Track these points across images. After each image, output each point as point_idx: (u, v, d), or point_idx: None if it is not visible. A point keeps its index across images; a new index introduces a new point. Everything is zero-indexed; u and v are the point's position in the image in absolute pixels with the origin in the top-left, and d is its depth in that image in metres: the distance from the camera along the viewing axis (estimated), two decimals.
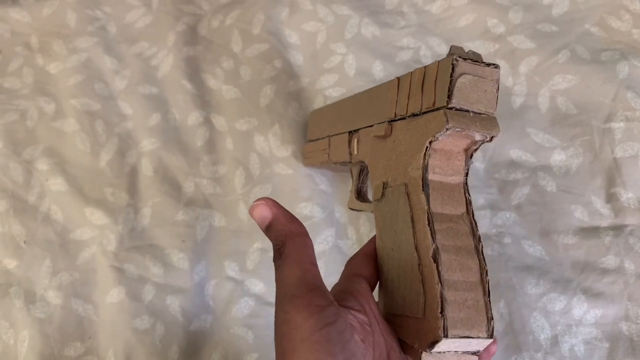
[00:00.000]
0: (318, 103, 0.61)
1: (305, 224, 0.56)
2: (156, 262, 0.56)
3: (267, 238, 0.55)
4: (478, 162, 0.56)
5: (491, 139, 0.35)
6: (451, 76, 0.34)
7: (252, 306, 0.55)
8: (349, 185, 0.57)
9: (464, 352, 0.34)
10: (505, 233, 0.53)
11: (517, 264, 0.52)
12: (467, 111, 0.34)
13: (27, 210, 0.60)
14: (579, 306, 0.50)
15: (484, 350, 0.34)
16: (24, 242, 0.58)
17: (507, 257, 0.52)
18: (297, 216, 0.56)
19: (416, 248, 0.35)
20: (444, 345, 0.32)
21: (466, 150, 0.36)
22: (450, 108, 0.34)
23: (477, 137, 0.35)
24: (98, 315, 0.55)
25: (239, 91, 0.62)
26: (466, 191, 0.36)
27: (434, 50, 0.61)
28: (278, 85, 0.62)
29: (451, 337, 0.32)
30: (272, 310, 0.53)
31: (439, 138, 0.35)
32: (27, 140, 0.63)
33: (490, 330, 0.33)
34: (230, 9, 0.66)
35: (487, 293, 0.34)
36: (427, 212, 0.35)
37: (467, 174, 0.37)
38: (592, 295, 0.50)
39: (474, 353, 0.34)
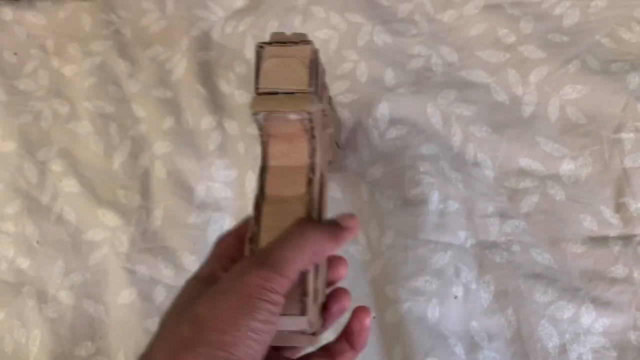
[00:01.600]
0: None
1: None
2: (167, 264, 0.57)
3: None
4: (488, 170, 0.56)
5: (310, 115, 0.34)
6: (258, 62, 0.35)
7: None
8: (361, 192, 0.57)
9: (291, 332, 0.33)
10: (514, 241, 0.54)
11: (525, 272, 0.52)
12: (276, 93, 0.35)
13: (40, 210, 0.60)
14: (587, 315, 0.50)
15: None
16: (37, 242, 0.59)
17: (515, 265, 0.53)
18: None
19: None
20: None
21: (306, 130, 0.36)
22: (260, 93, 0.35)
23: (292, 116, 0.34)
24: (109, 316, 0.56)
25: (251, 97, 0.63)
26: (311, 171, 0.36)
27: (445, 58, 0.61)
28: None
29: None
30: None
31: (264, 123, 0.35)
32: (42, 142, 0.64)
33: (302, 308, 0.32)
34: (244, 15, 0.67)
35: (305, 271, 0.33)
36: (256, 196, 0.35)
37: (313, 154, 0.36)
38: (601, 304, 0.50)
39: (303, 332, 0.34)
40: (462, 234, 0.54)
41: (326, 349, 0.38)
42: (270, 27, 0.65)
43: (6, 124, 0.64)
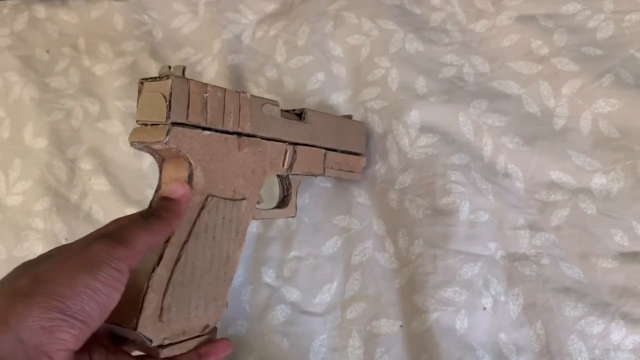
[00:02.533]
0: (358, 115, 0.62)
1: (342, 236, 0.57)
2: None
3: (303, 246, 0.57)
4: (518, 182, 0.56)
5: (166, 145, 0.37)
6: (138, 96, 0.39)
7: (288, 314, 0.55)
8: (389, 200, 0.57)
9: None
10: (543, 254, 0.53)
11: (555, 285, 0.52)
12: (146, 124, 0.38)
13: (69, 208, 0.61)
14: (618, 331, 0.50)
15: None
16: (65, 239, 0.60)
17: (545, 279, 0.52)
18: (333, 228, 0.57)
19: None
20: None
21: (182, 157, 0.39)
22: (141, 125, 0.39)
23: (156, 146, 0.38)
24: None
25: (281, 101, 0.63)
26: None
27: (476, 68, 0.61)
28: (321, 97, 0.62)
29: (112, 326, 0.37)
30: (308, 319, 0.55)
31: (155, 149, 0.39)
32: (72, 140, 0.64)
33: (136, 322, 0.36)
34: (275, 20, 0.67)
35: (148, 286, 0.37)
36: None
37: (191, 178, 0.39)
38: (631, 320, 0.50)
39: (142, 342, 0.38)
40: (492, 245, 0.54)
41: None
42: (301, 33, 0.66)
43: (38, 121, 0.65)
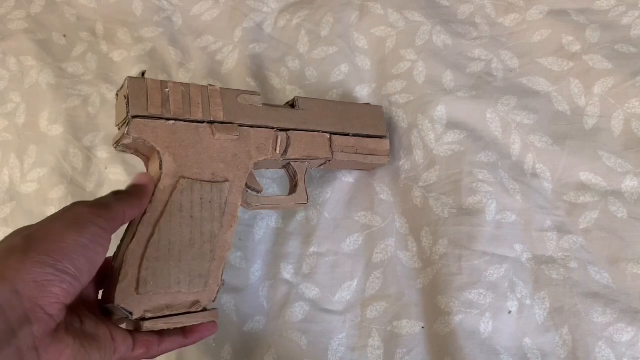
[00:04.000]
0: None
1: (363, 233, 0.56)
2: None
3: (323, 242, 0.55)
4: (547, 182, 0.54)
5: (127, 135, 0.42)
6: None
7: (307, 311, 0.54)
8: (413, 197, 0.56)
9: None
10: (571, 257, 0.52)
11: (582, 290, 0.50)
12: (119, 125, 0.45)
13: (84, 197, 0.60)
14: None
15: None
16: None
17: (572, 283, 0.51)
18: (354, 225, 0.56)
19: None
20: None
21: (152, 148, 0.43)
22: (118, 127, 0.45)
23: (124, 141, 0.43)
24: None
25: (303, 93, 0.62)
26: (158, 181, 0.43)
27: (505, 63, 0.60)
28: (344, 90, 0.61)
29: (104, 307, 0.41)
30: (327, 317, 0.53)
31: (126, 144, 0.44)
32: (88, 127, 0.63)
33: (113, 295, 0.39)
34: (298, 9, 0.66)
35: (122, 261, 0.40)
36: None
37: (161, 166, 0.43)
38: None
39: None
40: (518, 247, 0.52)
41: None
42: (325, 22, 0.64)
43: (54, 108, 0.63)
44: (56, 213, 0.36)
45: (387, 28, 0.63)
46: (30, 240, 0.33)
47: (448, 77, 0.59)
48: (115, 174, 0.60)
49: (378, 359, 0.52)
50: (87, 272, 0.34)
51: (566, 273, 0.51)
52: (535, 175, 0.55)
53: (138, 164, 0.60)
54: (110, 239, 0.37)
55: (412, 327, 0.52)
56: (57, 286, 0.32)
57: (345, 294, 0.55)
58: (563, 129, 0.56)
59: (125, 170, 0.60)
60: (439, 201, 0.54)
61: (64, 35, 0.68)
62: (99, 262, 0.35)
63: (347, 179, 0.58)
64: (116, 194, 0.40)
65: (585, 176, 0.54)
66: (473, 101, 0.57)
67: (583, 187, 0.54)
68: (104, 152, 0.61)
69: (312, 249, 0.56)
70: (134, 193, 0.41)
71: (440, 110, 0.57)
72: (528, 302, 0.51)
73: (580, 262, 0.52)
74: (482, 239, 0.52)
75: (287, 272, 0.56)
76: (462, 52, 0.61)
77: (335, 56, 0.63)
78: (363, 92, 0.61)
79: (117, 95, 0.45)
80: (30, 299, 0.31)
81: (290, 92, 0.62)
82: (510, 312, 0.50)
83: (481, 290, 0.50)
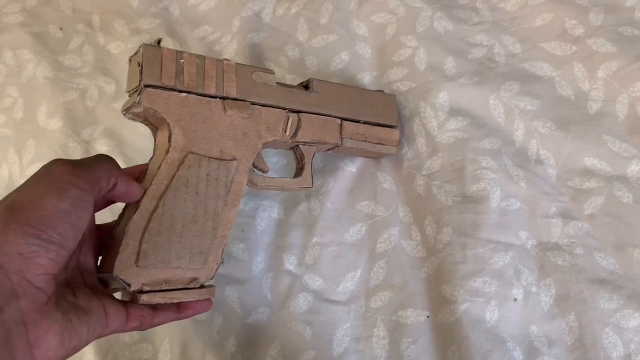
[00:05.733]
0: None
1: (366, 223, 0.55)
2: None
3: (326, 232, 0.55)
4: (551, 168, 0.54)
5: (138, 104, 0.41)
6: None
7: (311, 302, 0.54)
8: (416, 185, 0.55)
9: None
10: (577, 244, 0.51)
11: (589, 276, 0.50)
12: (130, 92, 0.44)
13: None
14: None
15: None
16: None
17: (578, 269, 0.50)
18: (357, 215, 0.56)
19: None
20: None
21: (161, 118, 0.42)
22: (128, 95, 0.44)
23: (135, 109, 0.42)
24: None
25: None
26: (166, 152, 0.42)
27: (508, 49, 0.59)
28: (345, 78, 0.60)
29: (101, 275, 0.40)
30: (331, 307, 0.53)
31: (136, 112, 0.43)
32: (87, 120, 0.62)
33: (112, 266, 0.39)
34: None
35: (124, 232, 0.39)
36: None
37: (170, 137, 0.42)
38: None
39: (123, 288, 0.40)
40: (523, 234, 0.52)
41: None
42: (324, 10, 0.63)
43: (52, 101, 0.63)
44: (34, 175, 0.34)
45: (387, 14, 0.62)
46: (10, 210, 0.31)
47: (450, 64, 0.58)
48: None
49: (383, 349, 0.51)
50: (72, 238, 0.33)
51: (572, 259, 0.51)
52: (539, 161, 0.54)
53: (138, 156, 0.60)
54: (93, 201, 0.35)
55: (417, 316, 0.52)
56: (44, 256, 0.31)
57: (349, 284, 0.54)
58: (567, 114, 0.55)
59: (125, 163, 0.59)
60: (442, 189, 0.54)
61: (60, 28, 0.67)
62: (83, 226, 0.34)
63: (350, 168, 0.58)
64: (100, 156, 0.38)
65: (589, 161, 0.54)
66: (475, 87, 0.57)
67: (588, 172, 0.53)
68: (103, 146, 0.61)
69: (314, 240, 0.56)
70: (123, 171, 0.39)
71: (443, 97, 0.56)
72: (534, 289, 0.50)
73: (586, 248, 0.51)
74: (486, 226, 0.51)
75: (290, 263, 0.55)
76: (464, 37, 0.60)
77: (335, 44, 0.62)
78: (364, 80, 0.60)
79: (130, 60, 0.43)
80: (17, 273, 0.30)
81: (290, 81, 0.61)
82: (515, 300, 0.50)
83: (486, 278, 0.50)
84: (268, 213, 0.58)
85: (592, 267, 0.50)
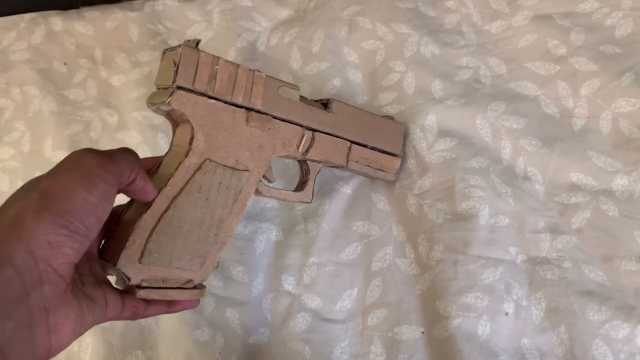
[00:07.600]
0: None
1: (361, 242, 0.57)
2: (216, 274, 0.57)
3: (323, 253, 0.57)
4: (538, 185, 0.56)
5: (167, 105, 0.41)
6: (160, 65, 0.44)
7: (309, 321, 0.55)
8: (408, 205, 0.57)
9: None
10: (565, 257, 0.53)
11: (578, 289, 0.51)
12: (159, 88, 0.43)
13: None
14: None
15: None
16: None
17: (567, 282, 0.52)
18: (352, 235, 0.58)
19: None
20: None
21: (187, 120, 0.43)
22: (157, 89, 0.44)
23: (162, 107, 0.41)
24: (159, 326, 0.57)
25: None
26: (185, 155, 0.43)
27: (493, 70, 0.61)
28: None
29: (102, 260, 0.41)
30: (329, 326, 0.55)
31: (163, 110, 0.42)
32: None
33: (116, 259, 0.39)
34: (289, 27, 0.67)
35: (133, 229, 0.40)
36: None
37: (191, 141, 0.43)
38: None
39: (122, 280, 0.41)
40: (512, 250, 0.53)
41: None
42: (316, 39, 0.66)
43: (57, 134, 0.65)
44: (65, 162, 0.35)
45: (376, 41, 0.64)
46: (45, 198, 0.32)
47: (437, 86, 0.61)
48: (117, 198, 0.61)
49: None
50: (95, 229, 0.34)
51: (561, 273, 0.52)
52: (526, 178, 0.56)
53: None
54: (116, 195, 0.36)
55: (412, 332, 0.53)
56: (69, 246, 0.32)
57: (346, 302, 0.56)
58: (552, 132, 0.57)
59: None
60: (433, 208, 0.56)
61: (65, 63, 0.70)
62: (106, 218, 0.35)
63: (345, 189, 0.60)
64: (125, 150, 0.39)
65: (575, 177, 0.55)
66: (463, 109, 0.59)
67: (574, 187, 0.55)
68: None
69: (312, 260, 0.58)
70: (144, 174, 0.40)
71: (431, 119, 0.58)
72: (524, 303, 0.52)
73: (574, 261, 0.53)
74: (476, 243, 0.53)
75: (289, 283, 0.57)
76: (450, 60, 0.62)
77: (327, 71, 0.64)
78: (356, 105, 0.62)
79: (164, 52, 0.43)
80: (44, 260, 0.31)
81: None
82: (507, 314, 0.51)
83: (478, 294, 0.51)
84: (267, 235, 0.60)
85: (581, 279, 0.52)
